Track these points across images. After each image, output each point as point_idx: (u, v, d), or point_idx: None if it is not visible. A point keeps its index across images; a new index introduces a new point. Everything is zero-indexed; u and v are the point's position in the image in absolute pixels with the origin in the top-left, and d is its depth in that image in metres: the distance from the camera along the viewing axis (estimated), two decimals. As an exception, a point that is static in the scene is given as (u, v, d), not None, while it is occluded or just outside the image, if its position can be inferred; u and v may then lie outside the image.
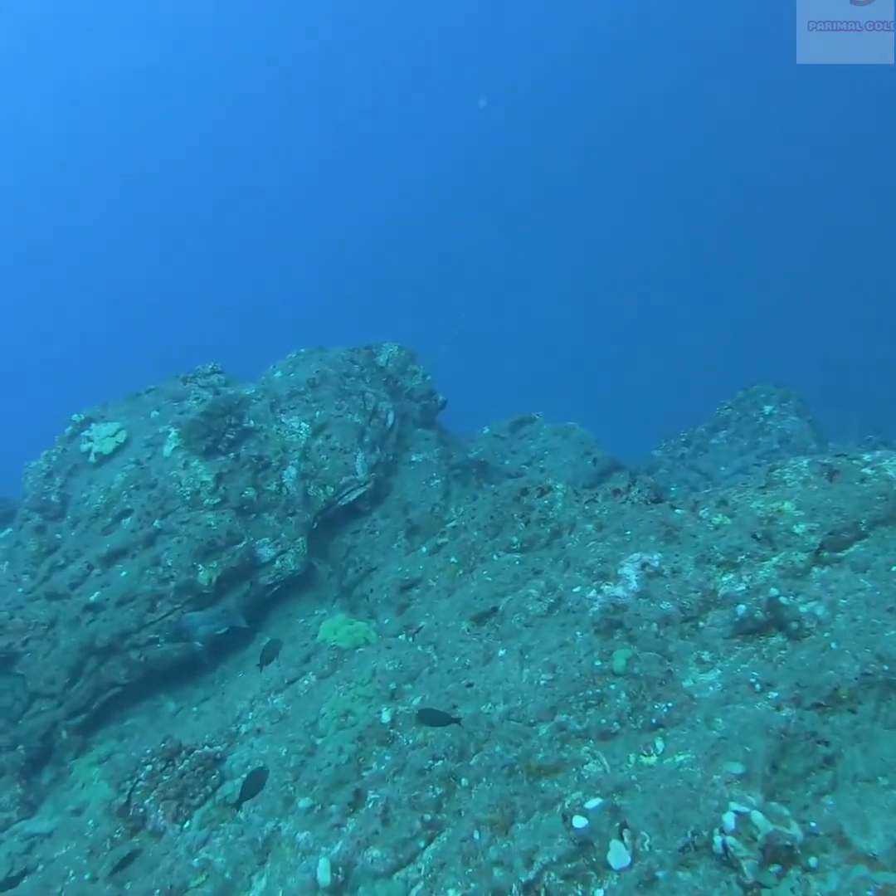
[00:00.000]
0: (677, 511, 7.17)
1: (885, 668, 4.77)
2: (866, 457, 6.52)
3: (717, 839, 4.13)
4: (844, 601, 5.49)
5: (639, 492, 8.00)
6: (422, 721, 6.24)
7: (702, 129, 73.09)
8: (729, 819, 4.16)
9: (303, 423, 11.93)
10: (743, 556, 6.23)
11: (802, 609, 5.54)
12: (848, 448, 12.82)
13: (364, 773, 6.36)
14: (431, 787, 5.70)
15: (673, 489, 16.07)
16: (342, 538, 11.59)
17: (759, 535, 6.30)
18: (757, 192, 70.12)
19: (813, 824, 4.19)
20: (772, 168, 69.08)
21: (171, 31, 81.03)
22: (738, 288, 65.13)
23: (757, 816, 4.11)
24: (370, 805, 5.96)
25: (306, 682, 8.57)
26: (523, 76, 78.77)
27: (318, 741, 7.12)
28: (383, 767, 6.27)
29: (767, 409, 17.79)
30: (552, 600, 7.00)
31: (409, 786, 5.82)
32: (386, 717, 6.79)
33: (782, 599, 5.65)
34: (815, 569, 5.94)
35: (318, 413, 12.12)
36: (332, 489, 11.48)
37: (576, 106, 78.75)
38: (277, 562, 10.67)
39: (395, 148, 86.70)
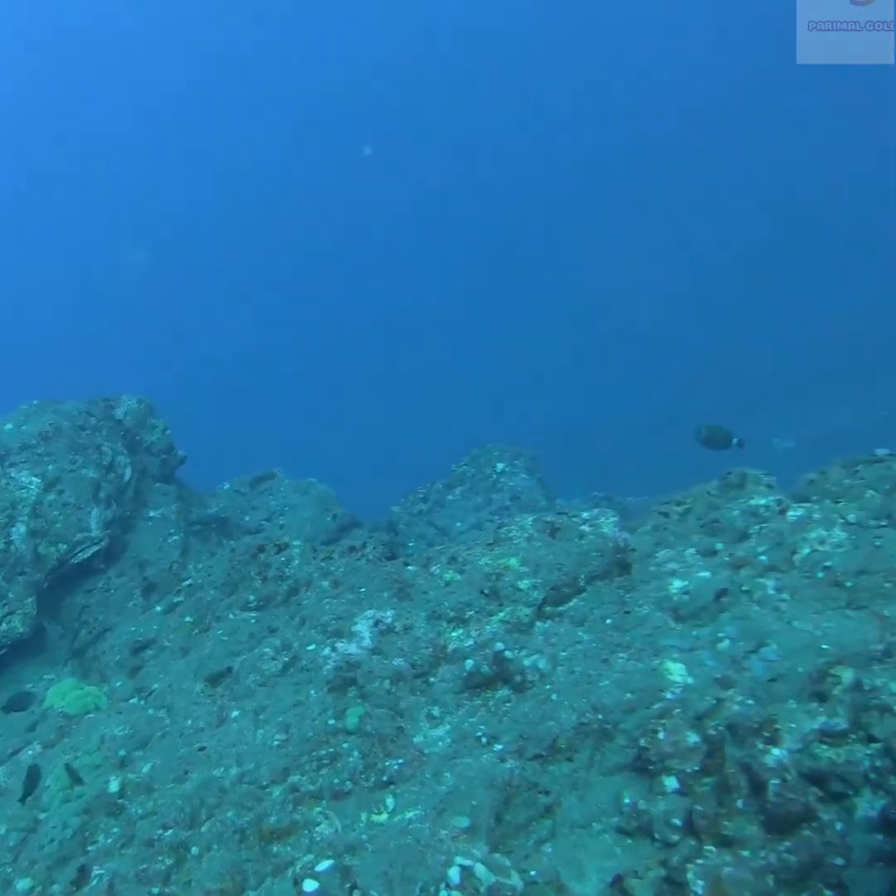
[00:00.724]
0: (410, 568, 7.33)
1: (599, 717, 5.07)
2: (584, 515, 6.95)
3: (444, 894, 4.20)
4: (564, 654, 5.80)
5: (373, 548, 8.10)
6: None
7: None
8: (454, 873, 4.25)
9: (33, 478, 11.23)
10: (471, 612, 6.44)
11: (526, 662, 5.79)
12: (570, 505, 13.59)
13: (90, 848, 6.00)
14: (160, 858, 5.46)
15: (411, 545, 16.33)
16: (75, 598, 10.97)
17: (486, 591, 6.53)
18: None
19: (533, 873, 4.36)
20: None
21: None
22: (483, 340, 65.29)
23: (480, 869, 4.23)
24: (95, 882, 5.62)
25: (31, 752, 7.95)
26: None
27: (42, 816, 6.63)
28: (110, 840, 5.94)
29: (500, 466, 18.45)
30: (287, 659, 6.93)
31: (136, 858, 5.54)
32: (114, 786, 6.41)
33: (507, 654, 5.88)
34: (539, 623, 6.24)
35: (50, 467, 11.46)
36: (65, 546, 10.86)
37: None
38: (4, 624, 9.92)
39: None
